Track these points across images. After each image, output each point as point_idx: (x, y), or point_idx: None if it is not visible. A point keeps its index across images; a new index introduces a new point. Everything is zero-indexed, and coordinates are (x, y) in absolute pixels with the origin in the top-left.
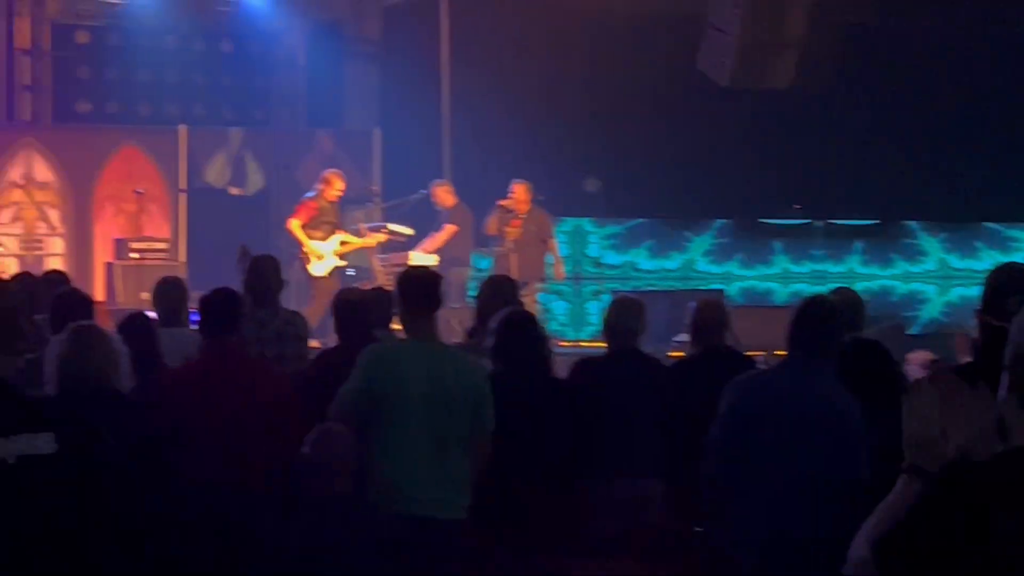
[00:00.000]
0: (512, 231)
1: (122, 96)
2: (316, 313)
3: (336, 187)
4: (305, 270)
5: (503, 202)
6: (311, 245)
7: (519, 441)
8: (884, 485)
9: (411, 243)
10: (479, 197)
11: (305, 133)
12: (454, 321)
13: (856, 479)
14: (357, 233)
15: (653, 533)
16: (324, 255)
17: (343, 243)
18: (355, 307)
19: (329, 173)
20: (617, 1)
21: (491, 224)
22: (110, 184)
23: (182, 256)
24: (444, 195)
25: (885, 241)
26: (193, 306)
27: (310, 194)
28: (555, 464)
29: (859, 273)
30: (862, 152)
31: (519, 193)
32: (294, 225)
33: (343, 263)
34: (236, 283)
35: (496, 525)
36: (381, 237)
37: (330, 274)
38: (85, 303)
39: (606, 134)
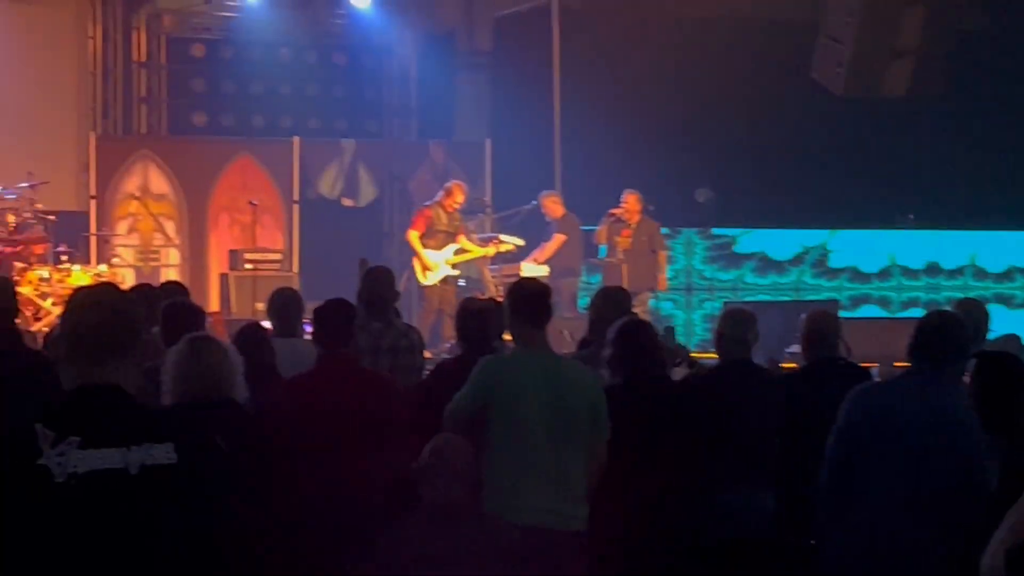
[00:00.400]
0: (623, 241)
1: (236, 108)
2: (425, 321)
3: (457, 199)
4: (415, 279)
5: (614, 211)
6: (424, 256)
7: (636, 451)
8: (1010, 498)
9: (521, 254)
10: (589, 207)
11: (417, 145)
12: (565, 332)
13: (980, 493)
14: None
15: (765, 545)
16: (436, 265)
17: (458, 252)
18: (479, 317)
19: (452, 184)
20: (730, 9)
21: (601, 234)
22: (225, 195)
23: (295, 267)
24: (552, 205)
25: (1001, 251)
26: (307, 317)
27: (427, 203)
28: (671, 475)
29: (973, 285)
30: (977, 160)
31: (630, 203)
32: (412, 236)
33: (455, 272)
34: (349, 294)
35: (613, 536)
36: (495, 248)
37: (441, 283)
38: (196, 314)
39: (717, 143)
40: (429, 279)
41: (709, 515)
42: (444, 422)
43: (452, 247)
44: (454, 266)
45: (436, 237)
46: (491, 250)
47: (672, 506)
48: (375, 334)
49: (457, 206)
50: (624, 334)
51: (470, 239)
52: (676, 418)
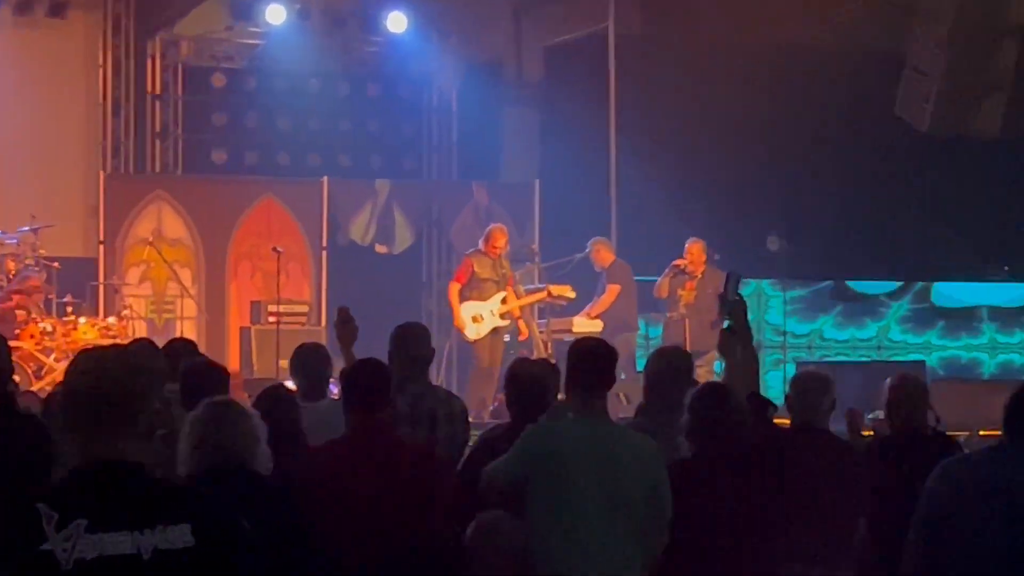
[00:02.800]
0: (686, 294)
1: (260, 145)
2: (480, 385)
3: (498, 243)
4: (461, 334)
5: (677, 262)
6: (459, 312)
7: (704, 531)
8: None
9: (572, 308)
10: (648, 255)
11: (459, 185)
12: (621, 394)
13: None
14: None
15: None
16: (480, 317)
17: (504, 302)
18: (534, 383)
19: (492, 228)
20: (805, 37)
21: (663, 286)
22: (246, 241)
23: (323, 321)
24: (601, 252)
25: None
26: (335, 377)
27: (469, 250)
28: (741, 554)
29: None
30: None
31: (694, 252)
32: (452, 290)
33: (504, 322)
34: (383, 351)
35: None
36: (546, 294)
37: (490, 336)
38: (219, 376)
39: (789, 186)
40: (476, 331)
41: None
42: (479, 489)
43: (499, 296)
44: (503, 316)
45: (481, 287)
46: (540, 295)
47: None
48: (412, 400)
49: (500, 251)
50: (699, 403)
51: (517, 290)
52: (746, 491)
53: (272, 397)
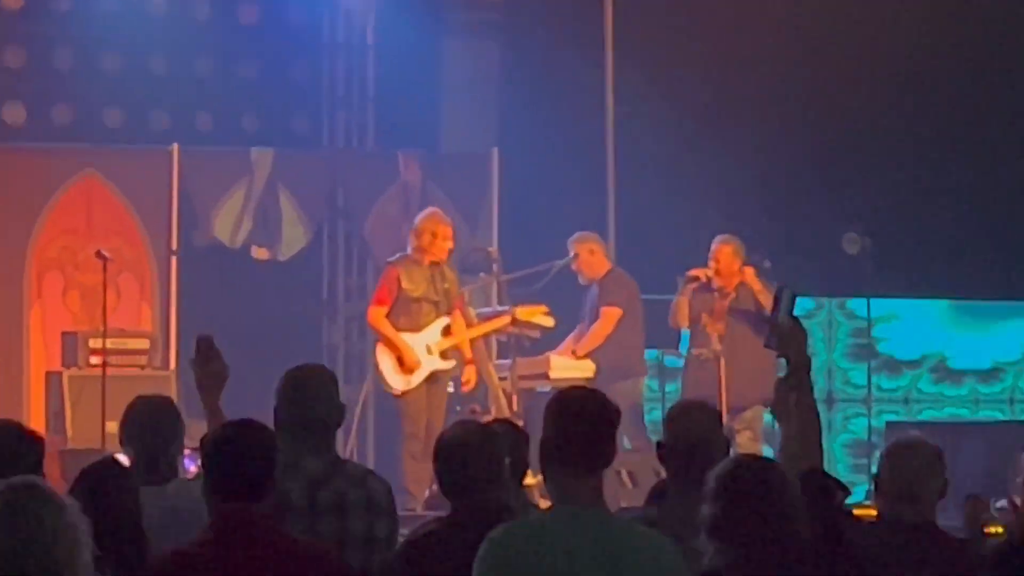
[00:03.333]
0: (715, 323)
1: (76, 96)
2: (412, 460)
3: (439, 241)
4: (378, 385)
5: (696, 272)
6: (401, 344)
7: None
8: None
9: (548, 340)
10: (661, 263)
11: (377, 157)
12: (623, 471)
13: None
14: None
15: None
16: (416, 357)
17: (447, 332)
18: (484, 457)
19: (428, 217)
20: None
21: (681, 309)
22: (55, 241)
23: (174, 361)
24: (592, 256)
25: None
26: (192, 445)
27: (393, 258)
28: None
29: None
30: None
31: (724, 257)
32: (375, 315)
33: (446, 365)
34: (266, 408)
35: None
36: (506, 322)
37: (427, 385)
38: (22, 444)
39: (871, 164)
40: (406, 381)
41: None
42: None
43: (439, 324)
44: (445, 355)
45: (412, 311)
46: (503, 322)
47: None
48: (310, 481)
49: (442, 255)
50: (731, 487)
51: (466, 315)
52: None
53: (97, 478)
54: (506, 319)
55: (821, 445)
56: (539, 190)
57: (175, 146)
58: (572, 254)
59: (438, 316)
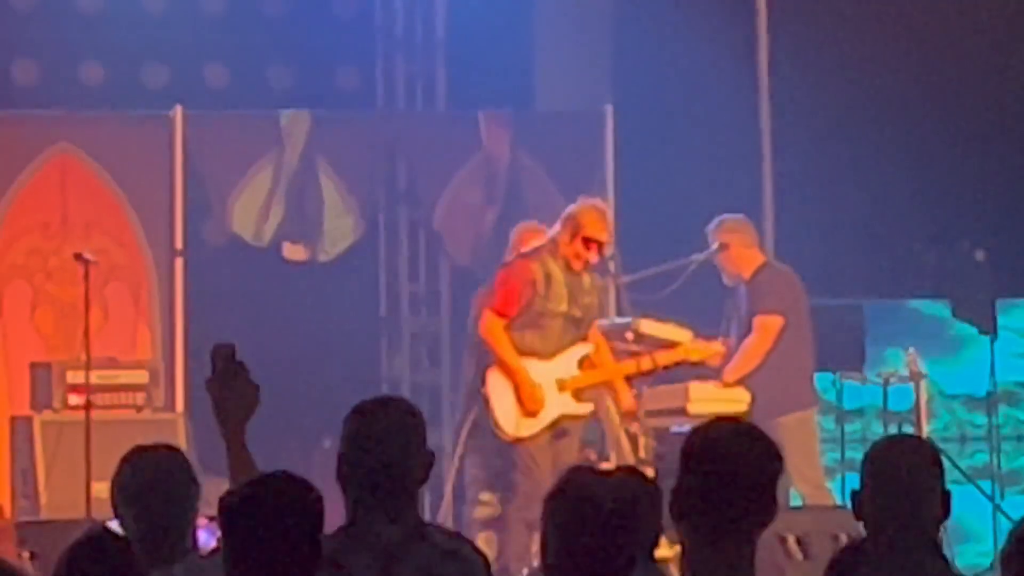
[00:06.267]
0: None
1: (47, 46)
2: (527, 523)
3: (593, 242)
4: (492, 418)
5: None
6: (520, 373)
7: None
8: None
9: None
10: (819, 259)
11: (452, 119)
12: (790, 538)
13: None
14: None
15: None
16: (539, 398)
17: (586, 364)
18: (601, 516)
19: (584, 205)
20: None
21: None
22: (21, 240)
23: (181, 400)
24: (739, 248)
25: None
26: (209, 512)
27: (528, 250)
28: None
29: None
30: None
31: None
32: (492, 327)
33: (580, 410)
34: (305, 456)
35: None
36: (681, 354)
37: (550, 434)
38: None
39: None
40: (525, 425)
41: None
42: None
43: (577, 352)
44: (580, 395)
45: (546, 329)
46: (677, 356)
47: None
48: (383, 553)
49: (594, 258)
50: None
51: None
52: None
53: (88, 557)
54: (680, 351)
55: None
56: (667, 160)
57: (177, 109)
58: (716, 245)
59: (576, 340)
